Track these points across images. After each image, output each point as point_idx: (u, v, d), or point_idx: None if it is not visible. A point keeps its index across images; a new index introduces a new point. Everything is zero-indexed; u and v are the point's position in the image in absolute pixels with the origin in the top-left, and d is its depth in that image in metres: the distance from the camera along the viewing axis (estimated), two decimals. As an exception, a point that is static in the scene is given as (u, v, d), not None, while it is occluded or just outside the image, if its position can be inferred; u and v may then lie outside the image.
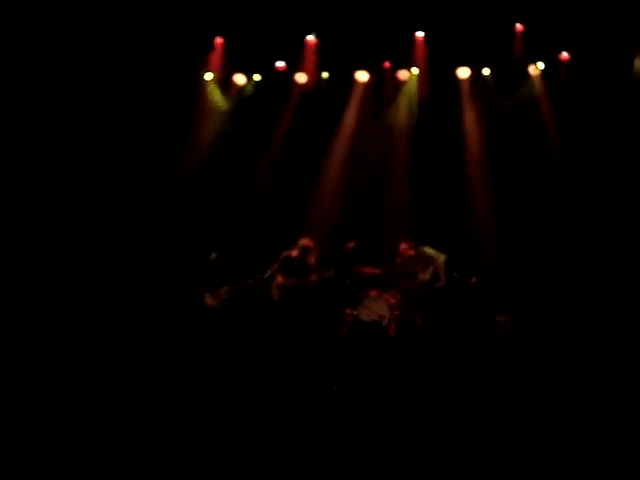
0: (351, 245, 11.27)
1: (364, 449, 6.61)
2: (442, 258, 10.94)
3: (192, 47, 12.07)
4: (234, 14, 11.81)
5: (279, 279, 10.84)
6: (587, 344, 9.35)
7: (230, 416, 7.23)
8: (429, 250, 10.97)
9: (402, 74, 12.42)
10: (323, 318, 10.26)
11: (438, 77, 12.27)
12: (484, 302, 10.59)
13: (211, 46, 12.33)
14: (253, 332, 9.84)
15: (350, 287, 10.88)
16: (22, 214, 11.46)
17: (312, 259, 11.02)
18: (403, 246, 11.08)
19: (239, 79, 12.69)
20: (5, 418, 6.89)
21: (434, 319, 10.44)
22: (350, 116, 12.70)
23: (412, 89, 12.47)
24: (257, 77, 12.68)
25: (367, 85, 12.59)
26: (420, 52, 12.12)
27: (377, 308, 10.21)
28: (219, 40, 12.31)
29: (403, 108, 12.59)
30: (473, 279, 10.85)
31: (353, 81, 12.59)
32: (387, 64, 12.41)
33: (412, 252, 11.00)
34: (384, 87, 12.60)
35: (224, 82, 12.67)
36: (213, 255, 11.24)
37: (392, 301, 10.41)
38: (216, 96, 12.69)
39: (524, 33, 11.74)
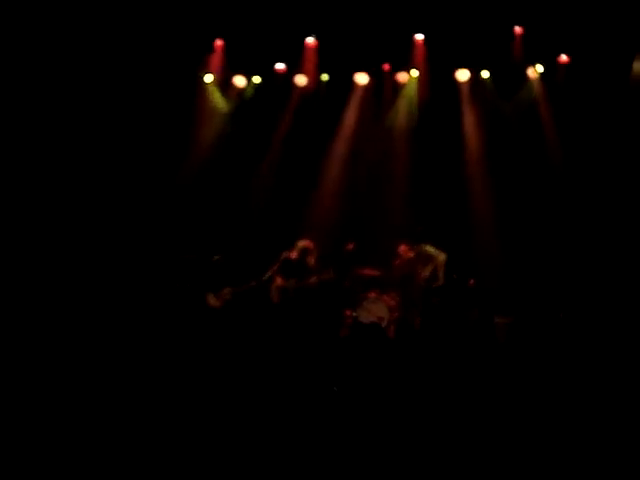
0: (350, 246, 11.29)
1: (364, 450, 6.62)
2: (442, 257, 10.95)
3: (192, 49, 12.09)
4: (234, 16, 11.82)
5: (278, 281, 10.85)
6: (586, 346, 9.36)
7: (230, 417, 7.25)
8: (429, 248, 10.99)
9: (402, 76, 12.44)
10: (322, 320, 10.26)
11: (437, 79, 12.29)
12: (483, 303, 10.60)
13: (211, 48, 12.35)
14: (253, 333, 9.85)
15: (349, 289, 10.88)
16: (24, 214, 11.47)
17: (311, 260, 11.03)
18: (402, 248, 11.09)
19: (239, 81, 12.71)
20: (5, 419, 6.90)
21: (433, 320, 10.45)
22: (350, 118, 12.73)
23: (412, 91, 12.49)
24: (257, 79, 12.71)
25: (367, 87, 12.62)
26: (419, 54, 12.14)
27: (376, 310, 10.13)
28: (219, 42, 12.33)
29: (403, 110, 12.61)
30: (472, 281, 10.87)
31: (353, 83, 12.61)
32: (387, 66, 12.44)
33: (411, 254, 11.02)
34: (384, 89, 12.63)
35: (224, 84, 12.70)
36: (216, 257, 11.27)
37: (392, 303, 10.38)
38: (216, 98, 12.72)
39: (523, 36, 11.77)
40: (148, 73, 12.02)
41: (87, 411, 7.29)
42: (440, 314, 10.52)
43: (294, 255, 10.95)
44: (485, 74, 12.25)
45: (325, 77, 12.60)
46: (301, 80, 12.56)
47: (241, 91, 12.76)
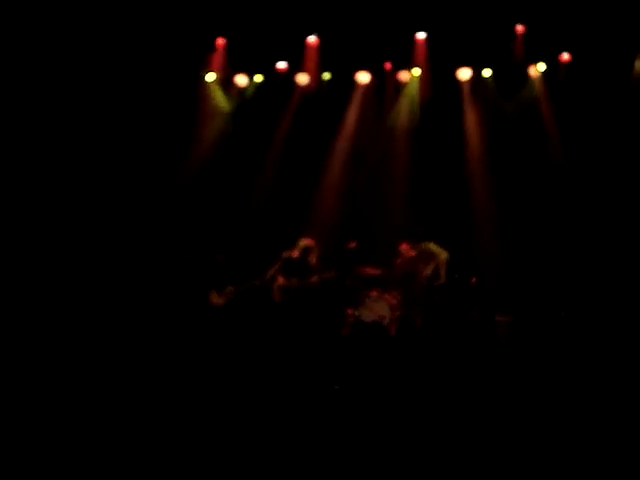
0: (352, 245, 11.31)
1: (365, 449, 6.64)
2: (444, 255, 10.97)
3: (194, 48, 12.09)
4: (236, 15, 11.83)
5: (280, 280, 10.86)
6: (588, 345, 9.37)
7: (232, 415, 7.26)
8: (431, 246, 11.00)
9: (403, 75, 12.45)
10: (324, 319, 10.28)
11: (439, 78, 12.29)
12: (484, 302, 10.61)
13: (213, 47, 12.36)
14: (255, 332, 9.86)
15: (351, 287, 10.89)
16: (24, 213, 11.48)
17: (313, 259, 11.04)
18: (404, 247, 11.11)
19: (241, 80, 12.71)
20: (6, 418, 6.90)
21: (435, 319, 10.46)
22: (351, 117, 12.73)
23: (413, 90, 12.49)
24: (259, 78, 12.71)
25: (368, 86, 12.62)
26: (421, 53, 12.15)
27: (378, 308, 10.23)
28: (221, 41, 12.34)
29: (404, 109, 12.61)
30: (473, 279, 10.88)
31: (354, 82, 12.62)
32: (388, 65, 12.44)
33: (413, 252, 11.03)
34: (385, 88, 12.64)
35: (226, 83, 12.70)
36: (219, 255, 11.29)
37: (393, 301, 10.43)
38: (218, 97, 12.72)
39: (525, 34, 11.77)
40: (150, 72, 12.02)
41: (91, 410, 7.31)
42: (442, 312, 10.53)
43: (295, 254, 10.96)
44: (487, 73, 12.25)
45: (327, 76, 12.60)
46: (303, 79, 12.56)
47: (243, 90, 12.76)
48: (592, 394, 7.77)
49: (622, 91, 11.72)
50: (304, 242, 11.11)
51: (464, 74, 12.26)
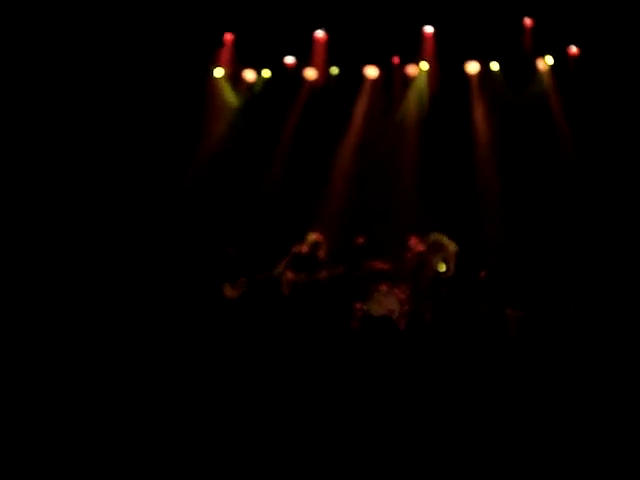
0: (361, 240, 11.32)
1: (374, 443, 6.66)
2: (453, 247, 10.97)
3: (202, 43, 12.10)
4: (243, 10, 11.83)
5: (289, 275, 10.88)
6: (596, 340, 9.36)
7: (241, 408, 7.29)
8: (441, 238, 11.01)
9: (411, 69, 12.43)
10: (333, 313, 10.30)
11: (447, 72, 12.27)
12: (494, 296, 10.61)
13: (221, 42, 12.37)
14: (266, 326, 9.89)
15: (360, 282, 10.90)
16: (35, 209, 11.54)
17: (322, 254, 11.05)
18: (413, 240, 11.10)
19: (249, 75, 12.72)
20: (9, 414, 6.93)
21: (444, 313, 10.46)
22: (359, 111, 12.72)
23: (421, 84, 12.48)
24: (267, 73, 12.71)
25: (376, 80, 12.61)
26: (429, 47, 12.13)
27: (387, 303, 10.24)
28: (229, 36, 12.35)
29: (412, 103, 12.60)
30: (482, 273, 10.87)
31: (362, 76, 12.61)
32: (396, 59, 12.43)
33: (422, 246, 11.03)
34: (393, 82, 12.63)
35: (234, 78, 12.71)
36: (231, 249, 11.32)
37: (402, 296, 10.44)
38: (226, 92, 12.73)
39: (533, 27, 11.74)
40: (159, 68, 12.04)
41: (101, 399, 7.37)
42: (450, 306, 10.53)
43: (305, 249, 10.97)
44: (495, 66, 12.22)
45: (335, 70, 12.60)
46: (311, 73, 12.56)
47: (251, 85, 12.77)
48: (600, 389, 7.76)
49: (631, 84, 11.67)
50: (313, 237, 11.11)
51: (472, 68, 12.24)
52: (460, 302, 10.54)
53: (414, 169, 12.41)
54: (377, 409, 7.37)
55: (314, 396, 7.68)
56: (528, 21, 11.74)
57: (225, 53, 12.46)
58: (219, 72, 12.53)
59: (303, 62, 12.49)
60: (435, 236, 11.05)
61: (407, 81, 12.56)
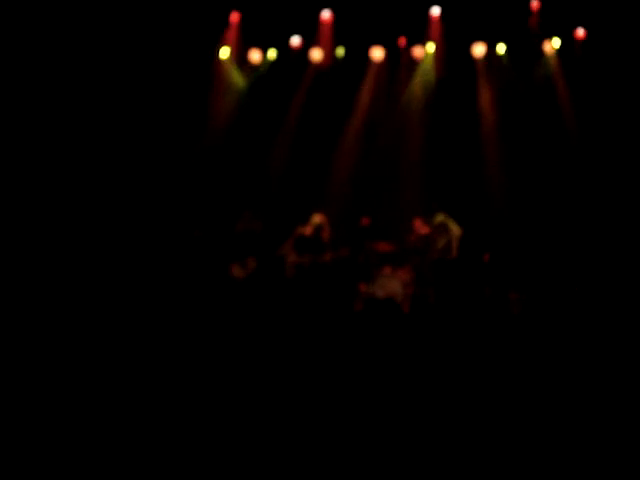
0: (366, 222, 11.36)
1: (378, 425, 6.70)
2: (457, 231, 11.01)
3: (208, 23, 12.07)
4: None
5: (293, 257, 10.92)
6: (600, 322, 9.40)
7: (244, 393, 7.34)
8: (446, 219, 11.04)
9: (418, 51, 12.40)
10: (337, 295, 10.34)
11: (453, 54, 12.24)
12: (497, 279, 10.64)
13: (227, 22, 12.33)
14: (269, 308, 9.93)
15: (364, 264, 10.94)
16: (38, 195, 11.57)
17: (326, 235, 11.10)
18: (417, 223, 11.14)
19: (255, 55, 12.68)
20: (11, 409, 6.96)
21: (447, 294, 10.51)
22: (365, 92, 12.71)
23: (428, 66, 12.45)
24: (273, 53, 12.69)
25: (383, 61, 12.57)
26: (436, 29, 12.09)
27: (391, 285, 10.28)
28: (235, 16, 12.31)
29: (418, 85, 12.58)
30: (486, 256, 10.91)
31: (368, 58, 12.58)
32: (403, 41, 12.38)
33: (426, 229, 11.07)
34: (400, 64, 12.59)
35: (240, 58, 12.68)
36: (239, 226, 11.37)
37: (406, 278, 10.48)
38: (232, 72, 12.70)
39: (540, 10, 11.69)
40: (165, 48, 12.01)
41: (104, 380, 7.43)
42: (454, 289, 10.57)
43: (308, 231, 11.00)
44: (501, 49, 12.19)
45: (341, 51, 12.56)
46: (317, 54, 12.52)
47: (257, 65, 12.74)
48: (606, 376, 7.80)
49: (637, 68, 11.64)
50: (317, 218, 11.15)
51: (479, 50, 12.20)
52: (464, 285, 10.58)
53: (419, 151, 12.41)
54: (381, 392, 7.42)
55: (318, 378, 7.72)
56: (535, 3, 11.69)
57: (231, 33, 12.42)
58: (225, 52, 12.50)
59: (309, 43, 12.45)
60: (440, 218, 11.10)
61: (413, 63, 12.53)
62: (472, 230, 11.29)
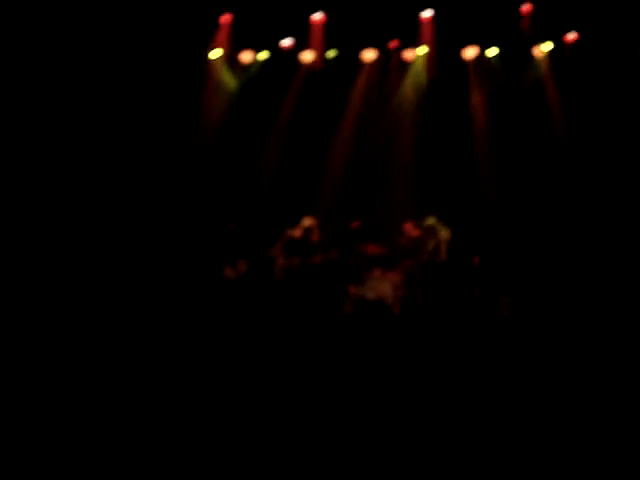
0: (356, 224, 11.36)
1: (369, 427, 6.70)
2: (445, 233, 11.02)
3: (199, 24, 12.05)
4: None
5: (282, 259, 10.90)
6: (591, 324, 9.42)
7: (235, 394, 7.32)
8: (434, 222, 11.05)
9: (409, 53, 12.41)
10: (327, 297, 10.33)
11: (445, 57, 12.25)
12: (487, 282, 10.65)
13: (218, 23, 12.31)
14: (261, 310, 9.91)
15: (354, 266, 10.94)
16: (34, 193, 11.54)
17: (315, 238, 11.09)
18: (408, 226, 11.15)
19: (246, 57, 12.67)
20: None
21: (436, 297, 10.51)
22: (357, 95, 12.71)
23: (419, 68, 12.47)
24: (264, 55, 12.67)
25: (374, 64, 12.58)
26: (427, 32, 12.11)
27: (381, 287, 10.28)
28: (226, 17, 12.29)
29: (410, 87, 12.59)
30: (476, 259, 10.91)
31: (360, 60, 12.58)
32: (394, 43, 12.39)
33: (417, 232, 11.07)
34: (391, 66, 12.60)
35: (231, 59, 12.66)
36: (231, 226, 11.35)
37: (396, 280, 10.48)
38: (223, 73, 12.69)
39: (531, 14, 11.72)
40: (156, 49, 11.99)
41: (100, 379, 7.42)
42: (444, 291, 10.57)
43: (298, 233, 11.00)
44: (493, 52, 12.22)
45: (332, 53, 12.56)
46: (308, 56, 12.52)
47: (248, 67, 12.72)
48: (597, 377, 7.81)
49: (628, 71, 11.68)
50: (306, 221, 11.15)
51: (470, 53, 12.22)
52: (454, 287, 10.58)
53: (410, 153, 12.41)
54: (372, 394, 7.41)
55: (308, 380, 7.71)
56: (526, 7, 11.71)
57: (222, 34, 12.41)
58: (216, 53, 12.49)
59: (300, 44, 12.44)
60: (430, 221, 11.11)
61: (405, 65, 12.53)
62: (462, 232, 11.29)
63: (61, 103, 11.77)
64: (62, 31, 11.46)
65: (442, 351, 8.66)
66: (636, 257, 11.06)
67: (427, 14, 11.99)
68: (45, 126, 11.72)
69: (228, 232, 11.45)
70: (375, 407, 7.11)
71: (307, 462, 6.13)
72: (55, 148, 11.74)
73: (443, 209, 11.47)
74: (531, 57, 12.17)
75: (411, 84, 12.56)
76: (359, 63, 12.58)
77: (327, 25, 12.28)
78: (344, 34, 12.20)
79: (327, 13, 12.18)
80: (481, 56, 12.24)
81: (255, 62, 12.69)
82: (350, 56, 12.50)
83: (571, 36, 11.90)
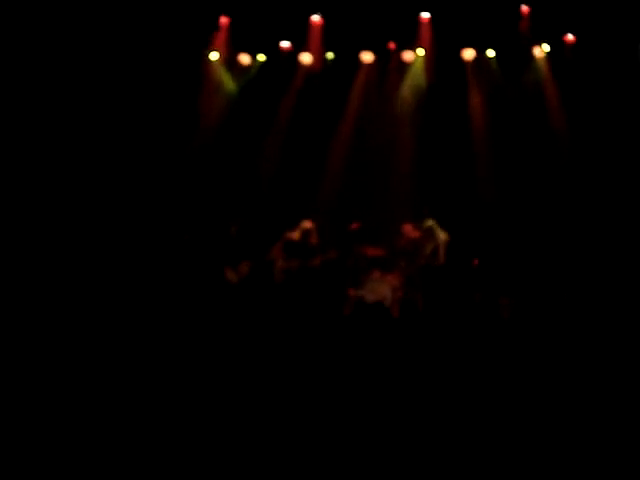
0: (355, 226, 11.33)
1: (367, 429, 6.67)
2: (443, 236, 11.00)
3: (198, 27, 12.04)
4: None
5: (281, 261, 10.88)
6: (590, 326, 9.40)
7: (235, 395, 7.30)
8: (433, 225, 11.03)
9: (408, 55, 12.40)
10: (326, 299, 10.31)
11: (443, 59, 12.24)
12: (487, 284, 10.63)
13: (216, 25, 12.30)
14: (260, 312, 9.90)
15: (353, 268, 10.91)
16: (29, 197, 11.52)
17: (313, 240, 11.08)
18: (407, 227, 11.12)
19: (244, 59, 12.66)
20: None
21: (436, 300, 10.48)
22: (355, 97, 12.70)
23: (418, 70, 12.46)
24: (262, 57, 12.66)
25: (373, 66, 12.57)
26: (425, 33, 12.10)
27: (380, 289, 10.26)
28: (224, 20, 12.28)
29: (409, 89, 12.58)
30: (476, 261, 10.89)
31: (359, 62, 12.57)
32: (393, 45, 12.38)
33: (416, 234, 11.05)
34: (390, 68, 12.60)
35: (229, 62, 12.66)
36: (232, 230, 11.33)
37: (395, 282, 10.46)
38: (222, 76, 12.68)
39: (530, 15, 11.71)
40: (154, 51, 11.98)
41: (99, 381, 7.41)
42: (443, 294, 10.55)
43: (296, 236, 10.99)
44: (491, 53, 12.21)
45: (331, 55, 12.55)
46: (306, 58, 12.51)
47: (246, 69, 12.72)
48: (596, 380, 7.79)
49: (627, 72, 11.66)
50: (305, 224, 11.14)
51: (468, 54, 12.21)
52: (453, 290, 10.56)
53: (409, 155, 12.39)
54: (371, 396, 7.39)
55: (307, 382, 7.69)
56: (525, 8, 11.70)
57: (220, 37, 12.40)
58: (214, 56, 12.48)
59: (299, 47, 12.43)
60: (428, 223, 11.08)
61: (403, 67, 12.53)
62: (462, 234, 11.26)
63: (60, 105, 11.75)
64: (62, 34, 11.45)
65: (442, 354, 8.64)
66: (635, 259, 11.04)
67: (425, 15, 11.97)
68: (44, 127, 11.70)
69: (230, 235, 11.43)
70: (375, 409, 7.09)
71: (307, 464, 6.11)
72: (53, 150, 11.71)
73: (442, 211, 11.44)
74: (530, 58, 12.16)
75: (410, 85, 12.55)
76: (358, 65, 12.58)
77: (326, 26, 12.26)
78: (343, 36, 12.19)
79: (326, 15, 12.16)
80: (480, 57, 12.23)
81: (253, 65, 12.67)
82: (349, 58, 12.49)
83: (570, 37, 11.88)
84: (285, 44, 12.47)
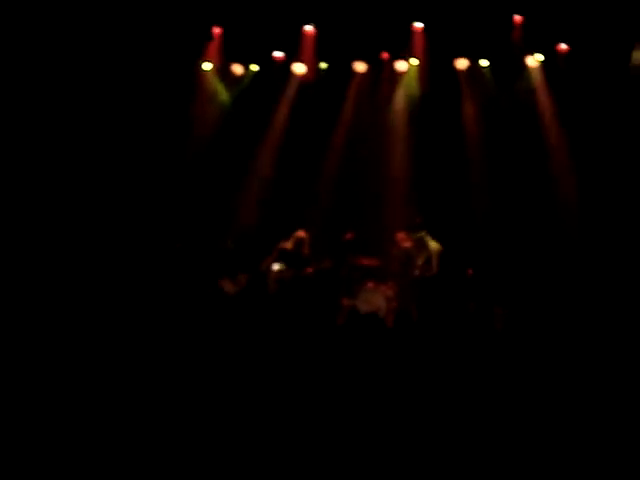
0: (349, 236, 11.31)
1: (361, 439, 6.65)
2: (436, 247, 10.99)
3: (190, 37, 12.05)
4: (232, 4, 11.79)
5: (274, 272, 10.86)
6: (585, 336, 9.38)
7: (231, 404, 7.28)
8: (425, 236, 11.02)
9: (401, 65, 12.42)
10: (320, 309, 10.28)
11: (437, 68, 12.26)
12: (481, 294, 10.61)
13: (209, 36, 12.31)
14: (256, 322, 9.87)
15: (347, 278, 10.90)
16: (26, 202, 11.49)
17: (306, 250, 11.07)
18: (400, 236, 11.12)
19: (237, 69, 12.67)
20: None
21: (429, 310, 10.46)
22: (348, 106, 12.72)
23: (411, 80, 12.48)
24: (255, 67, 12.67)
25: (366, 75, 12.59)
26: (419, 43, 12.11)
27: (374, 300, 10.23)
28: (217, 30, 12.29)
29: (402, 99, 12.60)
30: (470, 271, 10.87)
31: (352, 71, 12.58)
32: (386, 55, 12.40)
33: (409, 242, 11.03)
34: (383, 78, 12.61)
35: (222, 72, 12.66)
36: (229, 243, 11.32)
37: (389, 292, 10.43)
38: (215, 86, 12.69)
39: (523, 24, 11.74)
40: (147, 61, 11.99)
41: (95, 393, 7.37)
42: (437, 304, 10.52)
43: (289, 245, 10.98)
44: (484, 63, 12.23)
45: (324, 65, 12.56)
46: (299, 68, 12.52)
47: (239, 79, 12.73)
48: (590, 390, 7.77)
49: (620, 81, 11.69)
50: (298, 234, 11.13)
51: (462, 64, 12.23)
52: (447, 300, 10.54)
53: (403, 165, 12.40)
54: (365, 407, 7.36)
55: (301, 392, 7.65)
56: (518, 18, 11.73)
57: (213, 47, 12.41)
58: (207, 66, 12.48)
59: (292, 57, 12.44)
60: (420, 234, 11.06)
61: (396, 77, 12.54)
62: (455, 244, 11.25)
63: (54, 112, 11.74)
64: (57, 41, 11.45)
65: (436, 364, 8.61)
66: (630, 268, 11.04)
67: (418, 25, 11.98)
68: (36, 135, 11.70)
69: (226, 247, 11.42)
70: (369, 419, 7.06)
71: (301, 473, 6.08)
72: (46, 157, 11.70)
73: (436, 220, 11.43)
74: (523, 68, 12.18)
75: (403, 95, 12.57)
76: (351, 75, 12.59)
77: (319, 37, 12.28)
78: (336, 46, 12.20)
79: (319, 25, 12.17)
80: (473, 67, 12.25)
81: (246, 75, 12.68)
82: (342, 68, 12.51)
83: (563, 47, 11.90)
84: (278, 54, 12.49)
